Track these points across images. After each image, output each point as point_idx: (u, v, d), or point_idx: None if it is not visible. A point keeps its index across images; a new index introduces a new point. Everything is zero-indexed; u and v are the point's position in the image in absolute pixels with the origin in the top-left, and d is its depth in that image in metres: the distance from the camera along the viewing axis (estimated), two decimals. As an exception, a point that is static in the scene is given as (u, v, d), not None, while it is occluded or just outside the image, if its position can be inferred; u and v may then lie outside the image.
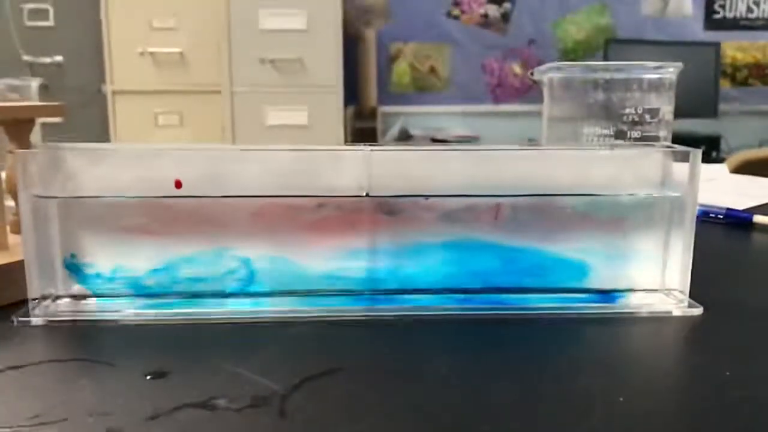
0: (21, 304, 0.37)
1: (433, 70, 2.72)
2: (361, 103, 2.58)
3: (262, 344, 0.34)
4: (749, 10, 2.74)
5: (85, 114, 2.25)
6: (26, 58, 2.35)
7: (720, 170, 0.97)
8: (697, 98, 2.45)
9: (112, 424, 0.26)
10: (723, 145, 2.51)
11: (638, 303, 0.39)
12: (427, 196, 0.38)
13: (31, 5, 2.35)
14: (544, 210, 0.39)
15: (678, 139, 0.46)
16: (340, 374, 0.30)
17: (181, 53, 2.23)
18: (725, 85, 2.73)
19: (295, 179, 0.38)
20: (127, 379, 0.30)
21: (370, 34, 2.60)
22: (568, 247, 0.39)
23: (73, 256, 0.38)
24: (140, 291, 0.38)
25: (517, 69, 2.72)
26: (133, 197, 0.37)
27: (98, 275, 0.38)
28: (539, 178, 0.39)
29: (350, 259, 0.38)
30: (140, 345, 0.34)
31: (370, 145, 0.38)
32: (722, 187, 0.81)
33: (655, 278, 0.40)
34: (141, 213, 0.37)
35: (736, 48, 2.74)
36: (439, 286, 0.39)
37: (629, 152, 0.42)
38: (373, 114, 2.58)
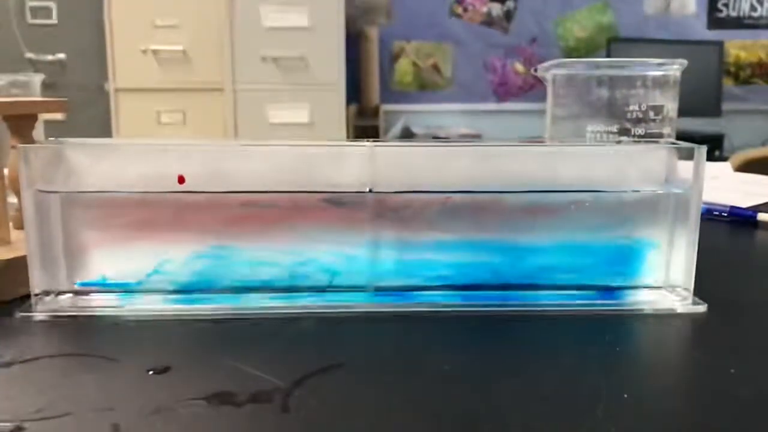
0: (24, 299, 0.37)
1: (435, 68, 2.72)
2: (363, 102, 2.58)
3: (264, 340, 0.34)
4: (752, 8, 2.73)
5: (88, 112, 2.25)
6: (29, 55, 2.35)
7: (724, 168, 0.97)
8: (700, 97, 2.44)
9: (115, 418, 0.26)
10: (726, 144, 2.50)
11: (642, 300, 0.39)
12: (423, 192, 0.38)
13: (34, 3, 2.35)
14: (549, 206, 0.39)
15: (681, 137, 0.46)
16: (343, 370, 0.30)
17: (183, 51, 2.23)
18: (728, 83, 2.72)
19: (298, 175, 0.38)
20: (130, 375, 0.30)
21: (373, 33, 2.59)
22: (572, 244, 0.39)
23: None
24: (140, 287, 0.38)
25: (520, 67, 2.72)
26: (136, 192, 0.37)
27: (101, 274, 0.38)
28: (544, 175, 0.39)
29: (353, 255, 0.38)
30: (142, 340, 0.34)
31: (373, 140, 0.38)
32: (726, 185, 0.81)
33: (660, 275, 0.40)
34: (143, 208, 0.37)
35: (739, 47, 2.74)
36: (441, 282, 0.39)
37: (633, 149, 0.42)
38: (375, 112, 2.58)
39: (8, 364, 0.31)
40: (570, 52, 2.69)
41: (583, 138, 0.53)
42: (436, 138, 2.49)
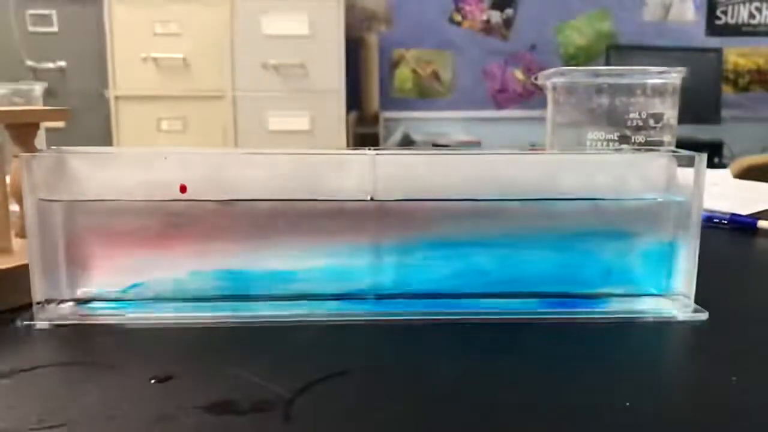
0: (26, 307, 0.37)
1: (435, 75, 2.72)
2: (363, 109, 2.58)
3: (266, 348, 0.34)
4: (751, 16, 2.74)
5: (88, 119, 2.25)
6: (30, 63, 2.36)
7: (724, 175, 0.97)
8: (699, 104, 2.45)
9: (117, 427, 0.26)
10: (725, 151, 2.51)
11: (643, 308, 0.39)
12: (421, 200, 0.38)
13: (35, 11, 2.36)
14: (549, 215, 0.39)
15: (680, 145, 0.46)
16: (345, 378, 0.30)
17: (183, 59, 2.24)
18: (727, 91, 2.73)
19: (299, 183, 0.38)
20: (132, 383, 0.30)
21: (373, 40, 2.60)
22: (573, 252, 0.39)
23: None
24: (142, 295, 0.38)
25: (519, 75, 2.73)
26: (138, 201, 0.37)
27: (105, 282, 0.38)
28: (544, 183, 0.39)
29: (355, 263, 0.38)
30: (144, 349, 0.34)
31: (375, 149, 0.38)
32: (726, 193, 0.81)
33: (661, 283, 0.40)
34: (145, 217, 0.37)
35: (738, 54, 2.75)
36: (443, 290, 0.39)
37: (634, 157, 0.42)
38: (375, 119, 2.59)
39: (9, 373, 0.31)
40: (569, 60, 2.70)
41: (583, 146, 0.53)
42: (435, 145, 2.49)
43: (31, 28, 2.37)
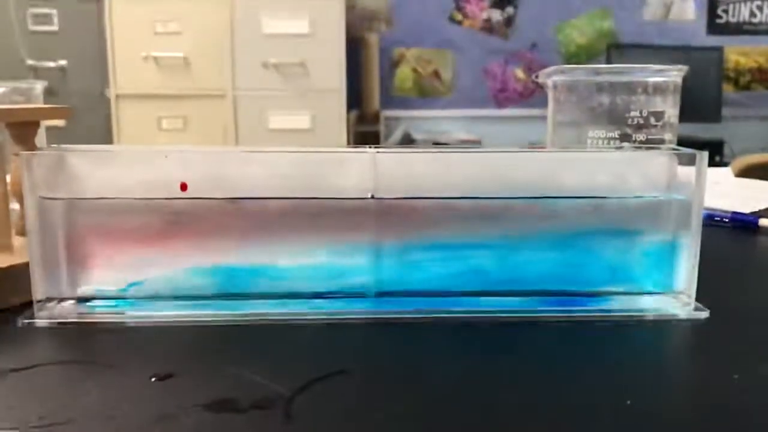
0: (26, 306, 0.37)
1: (435, 74, 2.72)
2: (363, 108, 2.58)
3: (267, 347, 0.34)
4: (752, 14, 2.74)
5: (89, 118, 2.25)
6: (30, 62, 2.36)
7: (725, 174, 0.97)
8: (700, 103, 2.45)
9: (118, 426, 0.26)
10: (726, 150, 2.50)
11: (644, 306, 0.39)
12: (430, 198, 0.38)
13: (36, 10, 2.36)
14: (550, 213, 0.39)
15: (681, 143, 0.46)
16: (345, 377, 0.30)
17: (184, 57, 2.24)
18: (728, 89, 2.72)
19: (300, 181, 0.38)
20: (133, 382, 0.30)
21: (373, 39, 2.60)
22: (575, 251, 0.39)
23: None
24: (143, 293, 0.38)
25: (520, 73, 2.73)
26: (139, 199, 0.37)
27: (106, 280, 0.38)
28: (545, 181, 0.39)
29: (355, 261, 0.38)
30: (145, 347, 0.34)
31: (375, 147, 0.38)
32: (727, 191, 0.81)
33: (662, 281, 0.40)
34: (146, 215, 0.37)
35: (739, 52, 2.74)
36: (443, 288, 0.39)
37: (635, 155, 0.42)
38: (375, 118, 2.59)
39: (10, 372, 0.31)
40: (570, 58, 2.70)
41: (584, 144, 0.53)
42: (436, 144, 2.49)
43: (31, 27, 2.37)
